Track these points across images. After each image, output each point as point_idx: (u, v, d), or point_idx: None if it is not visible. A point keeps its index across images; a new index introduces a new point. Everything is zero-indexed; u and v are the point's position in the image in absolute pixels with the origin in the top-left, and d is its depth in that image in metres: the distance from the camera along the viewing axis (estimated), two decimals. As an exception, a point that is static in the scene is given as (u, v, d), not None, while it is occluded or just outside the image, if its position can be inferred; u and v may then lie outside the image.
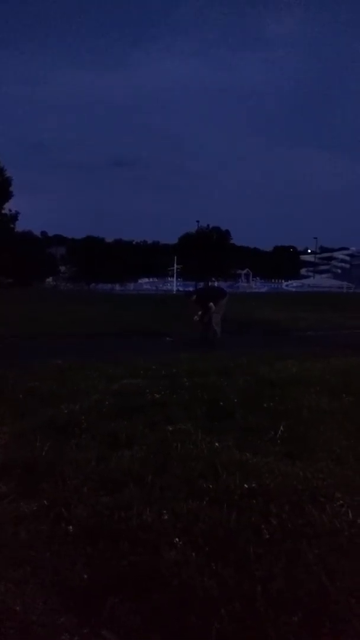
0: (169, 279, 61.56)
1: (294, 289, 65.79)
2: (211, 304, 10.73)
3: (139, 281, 68.75)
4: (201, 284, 11.37)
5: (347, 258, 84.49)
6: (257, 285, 69.48)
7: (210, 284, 44.73)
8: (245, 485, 3.06)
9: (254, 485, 3.08)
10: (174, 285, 51.86)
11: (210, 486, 3.08)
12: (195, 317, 11.01)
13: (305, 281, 78.89)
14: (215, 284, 46.87)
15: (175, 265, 51.99)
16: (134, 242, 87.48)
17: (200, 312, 10.92)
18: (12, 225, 53.48)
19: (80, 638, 1.87)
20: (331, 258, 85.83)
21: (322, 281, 77.05)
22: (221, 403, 5.04)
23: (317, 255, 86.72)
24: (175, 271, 53.00)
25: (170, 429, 4.27)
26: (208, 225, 67.15)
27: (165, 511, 2.74)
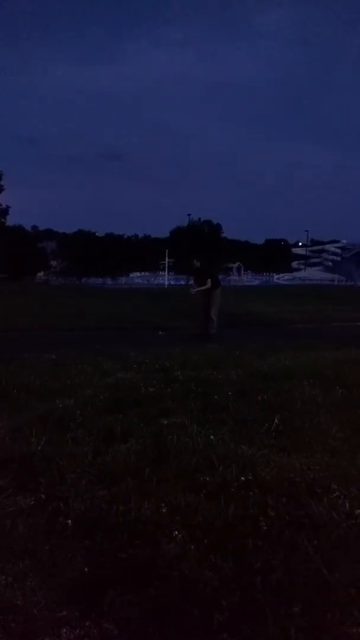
0: (161, 273, 61.52)
1: (285, 282, 66.01)
2: (209, 280, 10.85)
3: (131, 275, 68.66)
4: (198, 264, 11.55)
5: (338, 251, 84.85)
6: (249, 279, 69.62)
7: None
8: (242, 478, 3.07)
9: (250, 477, 3.09)
10: (165, 279, 51.84)
11: (207, 479, 3.09)
12: (192, 290, 11.47)
13: (296, 274, 79.15)
14: None
15: (166, 259, 51.93)
16: (125, 236, 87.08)
17: (197, 287, 11.23)
18: (2, 220, 53.23)
19: (81, 630, 1.88)
20: (322, 251, 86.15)
21: (313, 274, 77.32)
22: (215, 396, 5.06)
23: (308, 248, 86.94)
24: (166, 265, 52.94)
25: (166, 422, 4.28)
26: (199, 219, 67.09)
27: (163, 504, 2.75)
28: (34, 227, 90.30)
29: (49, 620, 1.92)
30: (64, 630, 1.88)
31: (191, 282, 11.81)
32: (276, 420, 4.25)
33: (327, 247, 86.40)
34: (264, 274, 79.88)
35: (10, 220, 55.88)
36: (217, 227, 68.18)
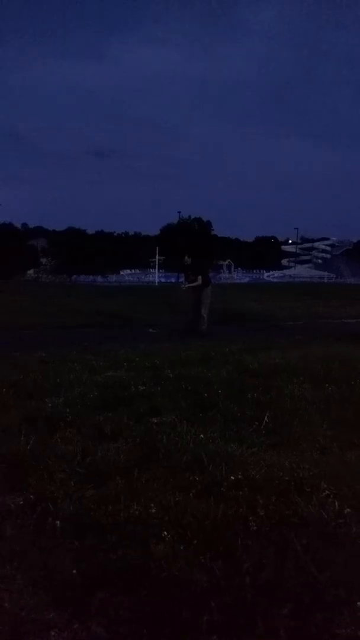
0: (151, 270, 61.42)
1: (275, 280, 66.17)
2: (200, 277, 10.86)
3: (121, 273, 68.50)
4: (189, 260, 11.61)
5: (328, 248, 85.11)
6: (239, 276, 69.65)
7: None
8: (232, 477, 3.06)
9: (240, 476, 3.08)
10: (155, 276, 51.75)
11: (197, 478, 3.08)
12: (183, 286, 11.56)
13: (286, 272, 79.27)
14: None
15: (157, 256, 51.84)
16: (115, 234, 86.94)
17: (188, 282, 11.28)
18: (-8, 217, 52.89)
19: (70, 633, 1.86)
20: (312, 248, 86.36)
21: (303, 271, 77.51)
22: (205, 394, 5.05)
23: (298, 246, 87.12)
24: (157, 263, 52.85)
25: (155, 421, 4.28)
26: (190, 216, 67.13)
27: (152, 504, 2.73)
28: (24, 225, 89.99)
29: (37, 623, 1.90)
30: (52, 632, 1.86)
31: (182, 279, 11.83)
32: (266, 418, 4.25)
33: (317, 244, 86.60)
34: (254, 271, 79.97)
35: (-1, 218, 55.57)
36: (208, 225, 68.24)
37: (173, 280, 48.43)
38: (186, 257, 11.37)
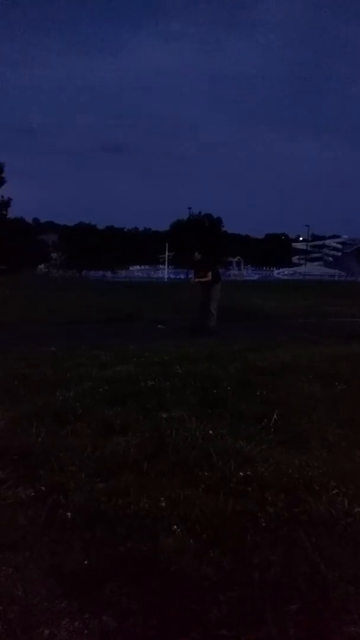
0: (161, 266, 61.43)
1: (285, 277, 65.93)
2: (209, 273, 10.84)
3: (131, 268, 68.55)
4: (199, 256, 11.63)
5: (339, 246, 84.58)
6: (249, 273, 69.47)
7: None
8: (241, 473, 3.08)
9: (249, 473, 3.10)
10: (165, 272, 51.77)
11: (206, 474, 3.10)
12: (193, 279, 11.50)
13: (296, 269, 78.97)
14: None
15: (166, 252, 51.83)
16: (125, 229, 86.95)
17: (196, 277, 11.20)
18: (4, 212, 53.17)
19: (81, 622, 1.89)
20: (323, 246, 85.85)
21: (313, 269, 77.13)
22: (214, 390, 5.06)
23: (309, 243, 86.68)
24: (166, 259, 52.85)
25: (164, 416, 4.29)
26: (200, 212, 66.94)
27: (162, 498, 2.76)
28: (35, 220, 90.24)
29: (49, 612, 1.93)
30: (64, 622, 1.89)
31: (191, 275, 11.82)
32: (275, 416, 4.26)
33: (327, 242, 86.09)
34: (264, 268, 79.72)
35: (11, 213, 55.81)
36: (218, 221, 68.08)
37: (182, 276, 48.41)
38: (196, 253, 11.34)
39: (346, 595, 2.04)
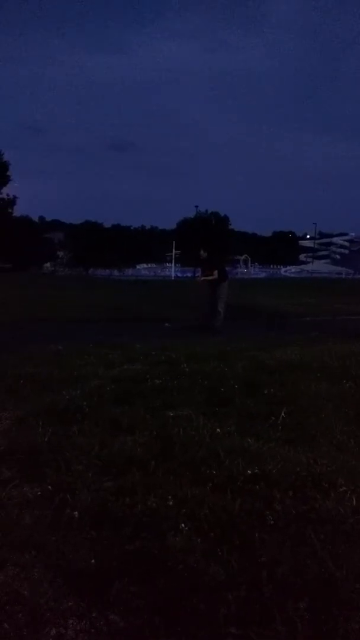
0: (167, 264, 61.43)
1: (292, 275, 65.79)
2: (216, 271, 10.80)
3: (137, 267, 68.61)
4: (205, 254, 11.58)
5: (346, 244, 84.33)
6: (256, 271, 69.38)
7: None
8: (248, 471, 3.06)
9: (256, 471, 3.08)
10: (172, 271, 51.77)
11: (214, 472, 3.08)
12: (198, 278, 11.53)
13: (304, 267, 78.81)
14: None
15: (173, 251, 51.82)
16: (132, 228, 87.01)
17: (203, 275, 11.21)
18: (10, 210, 53.33)
19: (88, 622, 1.88)
20: (330, 244, 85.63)
21: (321, 267, 76.92)
22: (221, 389, 5.04)
23: (316, 241, 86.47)
24: (173, 257, 52.84)
25: (172, 414, 4.28)
26: (207, 210, 66.91)
27: (169, 497, 2.75)
28: (41, 218, 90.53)
29: (56, 611, 1.93)
30: (71, 621, 1.88)
31: (198, 273, 11.82)
32: (282, 414, 4.24)
33: (335, 240, 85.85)
34: (271, 266, 79.56)
35: (17, 211, 56.04)
36: (225, 219, 68.01)
37: (189, 274, 48.40)
38: (202, 252, 11.31)
39: (354, 592, 2.02)
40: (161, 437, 3.70)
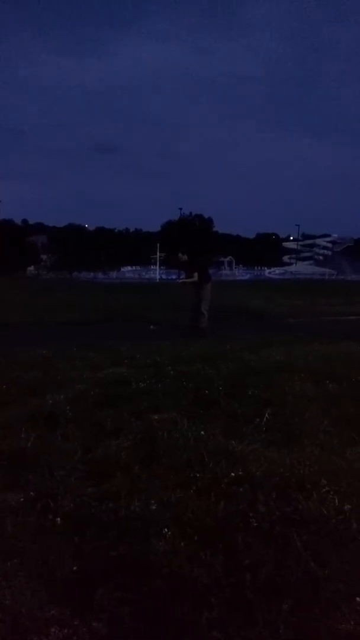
0: (152, 267, 61.36)
1: (276, 276, 66.03)
2: (196, 273, 10.79)
3: (122, 269, 68.42)
4: (185, 257, 11.56)
5: (329, 245, 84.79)
6: (240, 273, 69.53)
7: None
8: (232, 474, 3.07)
9: (240, 473, 3.09)
10: (157, 273, 51.72)
11: (198, 475, 3.08)
12: (178, 280, 11.41)
13: (287, 268, 79.15)
14: None
15: (158, 253, 51.78)
16: (116, 230, 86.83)
17: (184, 278, 11.24)
18: (-8, 214, 52.93)
19: (71, 630, 1.86)
20: (313, 245, 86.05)
21: (304, 268, 77.33)
22: (206, 391, 5.05)
23: (299, 242, 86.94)
24: (158, 259, 52.81)
25: (156, 417, 4.27)
26: (191, 213, 67.02)
27: (153, 501, 2.74)
28: (24, 221, 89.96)
29: (38, 620, 1.91)
30: (53, 629, 1.86)
31: (182, 276, 11.79)
32: (267, 415, 4.25)
33: (318, 241, 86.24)
34: (255, 268, 79.85)
35: (-1, 214, 55.65)
36: (209, 221, 68.17)
37: (174, 277, 48.38)
38: (180, 254, 11.29)
39: (337, 593, 2.03)
40: (146, 440, 3.69)
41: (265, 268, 78.15)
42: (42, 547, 2.35)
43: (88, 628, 1.87)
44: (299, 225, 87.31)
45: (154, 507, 2.68)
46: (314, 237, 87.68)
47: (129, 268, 71.54)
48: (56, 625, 1.88)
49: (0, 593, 2.03)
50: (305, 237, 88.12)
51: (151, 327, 11.79)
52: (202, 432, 3.86)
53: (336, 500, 2.76)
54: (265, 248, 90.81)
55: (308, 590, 2.04)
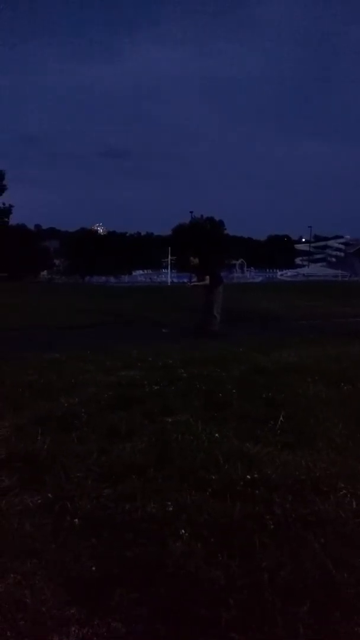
0: (164, 270, 61.45)
1: (288, 279, 65.88)
2: (207, 277, 10.80)
3: (133, 273, 68.62)
4: (196, 260, 11.62)
5: (342, 246, 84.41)
6: (252, 275, 69.41)
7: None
8: (248, 476, 3.06)
9: (256, 475, 3.08)
10: (168, 277, 51.81)
11: (213, 477, 3.08)
12: (189, 283, 11.67)
13: (299, 270, 78.89)
14: None
15: (169, 256, 51.90)
16: (127, 234, 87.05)
17: (195, 280, 11.25)
18: (5, 219, 53.40)
19: (90, 629, 1.88)
20: (326, 247, 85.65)
21: (316, 270, 77.08)
22: (219, 394, 5.05)
23: (312, 244, 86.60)
24: (169, 263, 52.92)
25: (170, 420, 4.28)
26: (202, 216, 67.12)
27: (169, 502, 2.75)
28: (37, 226, 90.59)
29: (58, 619, 1.93)
30: (73, 628, 1.88)
31: (194, 279, 11.78)
32: (281, 417, 4.24)
33: (330, 242, 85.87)
34: (267, 270, 79.67)
35: (12, 220, 56.13)
36: (220, 224, 68.14)
37: (185, 280, 48.42)
38: (191, 258, 11.30)
39: (356, 596, 2.02)
40: (160, 443, 3.70)
41: (278, 270, 77.95)
42: (60, 547, 2.37)
43: (107, 627, 1.88)
44: (311, 227, 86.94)
45: (169, 509, 2.69)
46: (326, 238, 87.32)
47: (141, 272, 71.72)
48: (75, 624, 1.90)
49: (21, 592, 2.06)
50: (318, 238, 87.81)
51: (163, 330, 11.80)
52: (216, 435, 3.86)
53: (354, 503, 2.75)
54: (277, 250, 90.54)
55: (326, 593, 2.03)
